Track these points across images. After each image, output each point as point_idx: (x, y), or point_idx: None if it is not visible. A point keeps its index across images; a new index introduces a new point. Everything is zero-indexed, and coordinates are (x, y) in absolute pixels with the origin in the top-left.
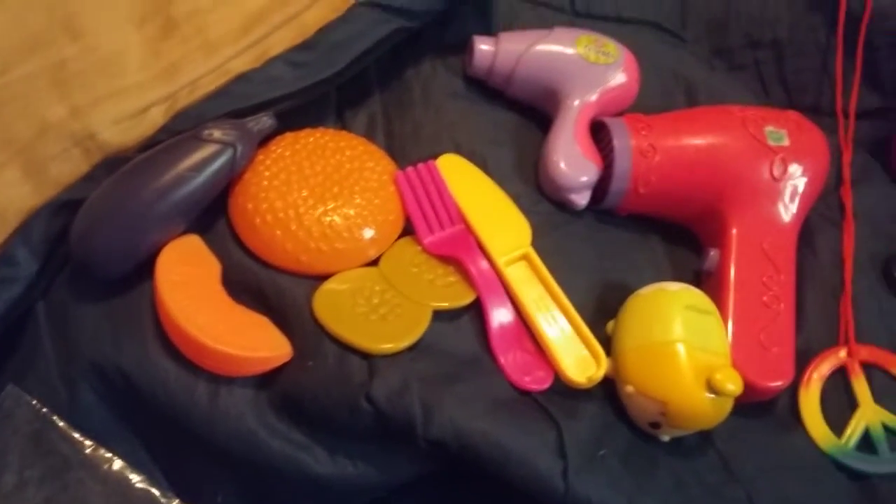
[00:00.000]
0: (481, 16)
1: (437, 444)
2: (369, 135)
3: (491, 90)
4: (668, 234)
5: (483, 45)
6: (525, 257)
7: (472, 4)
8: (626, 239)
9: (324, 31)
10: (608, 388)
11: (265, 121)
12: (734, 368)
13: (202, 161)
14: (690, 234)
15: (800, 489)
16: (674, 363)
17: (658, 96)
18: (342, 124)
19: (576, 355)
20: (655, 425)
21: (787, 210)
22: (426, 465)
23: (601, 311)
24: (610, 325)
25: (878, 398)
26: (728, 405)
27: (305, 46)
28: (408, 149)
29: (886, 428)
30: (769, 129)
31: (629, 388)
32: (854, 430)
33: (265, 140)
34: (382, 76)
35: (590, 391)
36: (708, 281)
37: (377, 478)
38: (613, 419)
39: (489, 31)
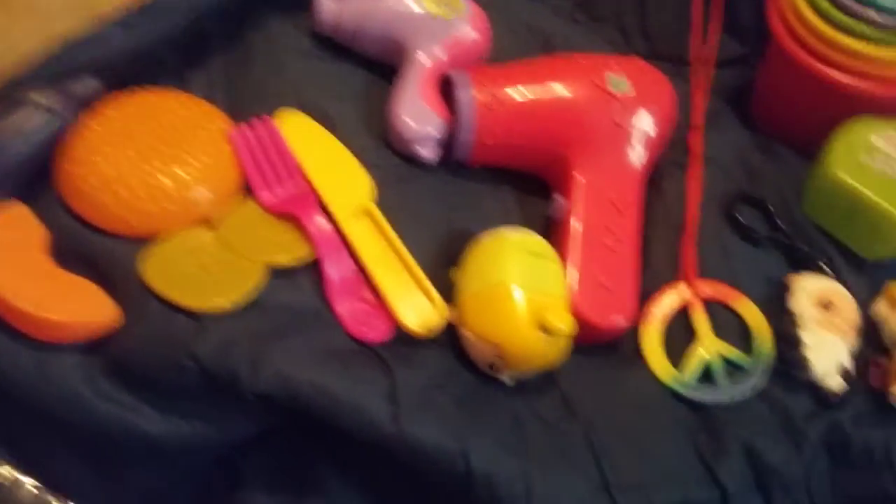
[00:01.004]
0: None
1: (265, 398)
2: (209, 95)
3: (340, 46)
4: (521, 183)
5: (327, 3)
6: (366, 212)
7: None
8: (476, 190)
9: None
10: (454, 336)
11: (90, 83)
12: (572, 309)
13: (23, 126)
14: (542, 181)
15: (637, 422)
16: (506, 305)
17: (515, 51)
18: (181, 84)
19: (416, 306)
20: (494, 367)
21: (632, 156)
22: (263, 421)
23: (448, 261)
24: (453, 272)
25: (718, 331)
26: (562, 345)
27: (138, 8)
28: (249, 108)
29: (725, 359)
30: (610, 75)
31: (467, 333)
32: (692, 362)
33: (94, 103)
34: (224, 35)
35: (434, 340)
36: (555, 227)
37: (214, 436)
38: (456, 366)
39: None
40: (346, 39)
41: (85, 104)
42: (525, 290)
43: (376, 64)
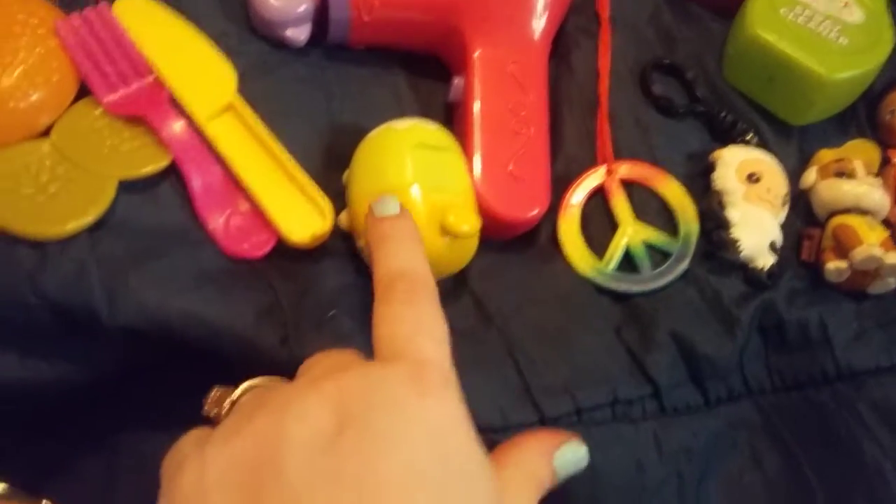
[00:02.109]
0: None
1: (130, 332)
2: None
3: None
4: (414, 65)
5: None
6: (230, 108)
7: None
8: (361, 75)
9: None
10: (348, 246)
11: None
12: (479, 202)
13: None
14: (439, 62)
15: (558, 319)
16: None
17: None
18: None
19: (299, 213)
20: None
21: (533, 24)
22: (133, 355)
23: (332, 160)
24: (346, 174)
25: (639, 215)
26: (470, 246)
27: None
28: None
29: (648, 245)
30: None
31: (362, 244)
32: (614, 250)
33: None
34: None
35: (323, 251)
36: (456, 113)
37: (81, 375)
38: (352, 278)
39: None
40: None
41: None
42: (423, 189)
43: None
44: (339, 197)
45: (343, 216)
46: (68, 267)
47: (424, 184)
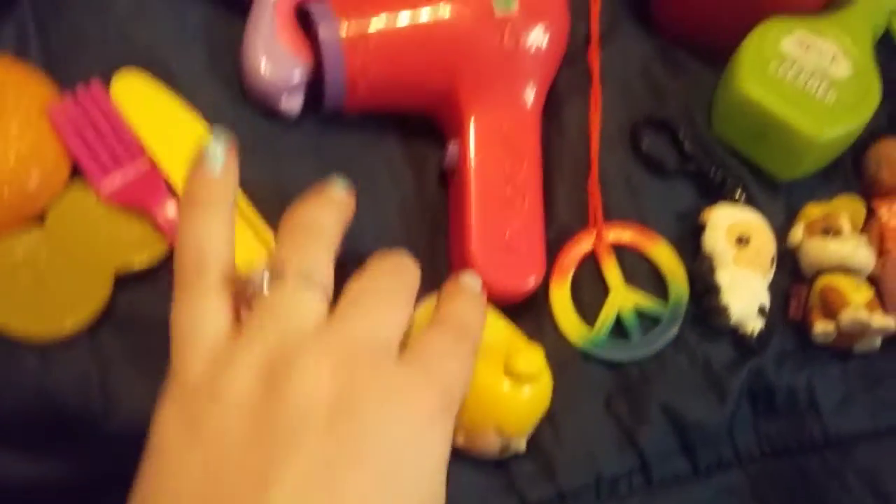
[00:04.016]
0: None
1: (126, 439)
2: (20, 51)
3: None
4: (409, 129)
5: None
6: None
7: None
8: (356, 142)
9: None
10: None
11: None
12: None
13: None
14: (433, 125)
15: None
16: (473, 389)
17: None
18: None
19: None
20: (507, 448)
21: (526, 85)
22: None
23: None
24: None
25: (630, 280)
26: (546, 377)
27: None
28: (70, 62)
29: (639, 311)
30: None
31: (459, 440)
32: (605, 318)
33: None
34: None
35: None
36: (451, 179)
37: (83, 473)
38: None
39: None
40: None
41: None
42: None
43: None
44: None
45: None
46: (68, 368)
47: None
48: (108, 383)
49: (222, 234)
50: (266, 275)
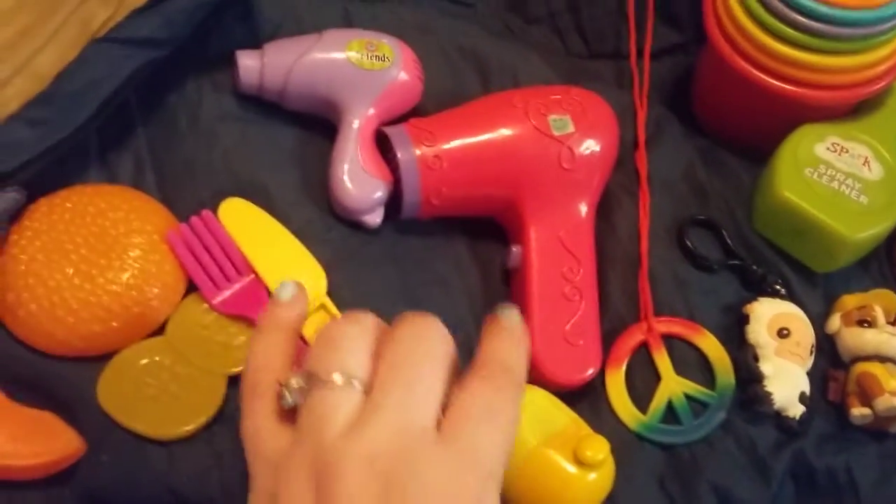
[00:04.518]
0: (244, 23)
1: None
2: (138, 179)
3: (268, 103)
4: (475, 232)
5: (247, 61)
6: (321, 307)
7: (233, 14)
8: (428, 246)
9: (60, 79)
10: None
11: (11, 196)
12: (537, 368)
13: None
14: (498, 228)
15: None
16: (543, 469)
17: (449, 79)
18: (107, 169)
19: None
20: None
21: (582, 195)
22: None
23: None
24: None
25: (679, 368)
26: (610, 464)
27: (42, 99)
28: (182, 188)
29: (688, 397)
30: (553, 117)
31: None
32: (657, 404)
33: (17, 214)
34: (144, 108)
35: None
36: (514, 278)
37: None
38: None
39: (256, 40)
40: (272, 98)
41: (8, 218)
42: (544, 443)
43: (309, 118)
44: None
45: None
46: (194, 466)
47: (543, 437)
48: (225, 475)
49: (279, 355)
50: (294, 384)
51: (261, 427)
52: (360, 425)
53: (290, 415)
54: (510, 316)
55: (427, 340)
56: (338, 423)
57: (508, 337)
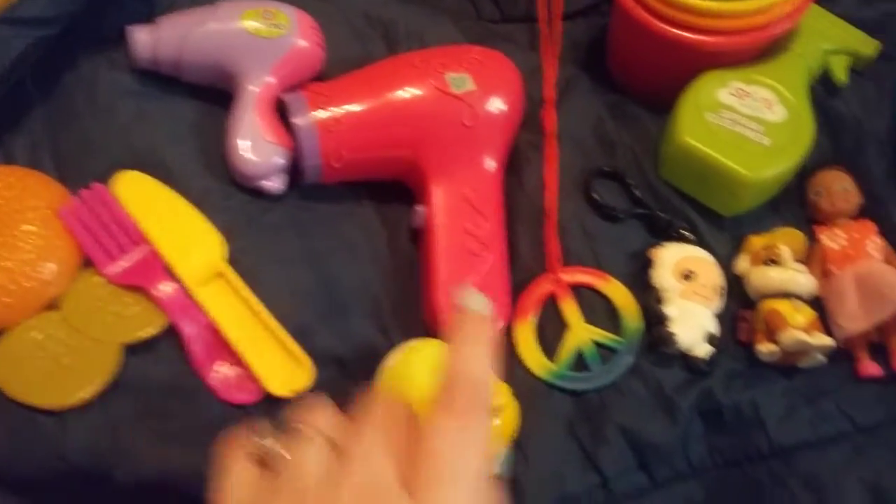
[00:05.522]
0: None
1: (142, 487)
2: (34, 158)
3: (167, 78)
4: (384, 195)
5: (140, 35)
6: (219, 275)
7: None
8: (335, 211)
9: None
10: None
11: None
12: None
13: None
14: (407, 190)
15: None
16: None
17: (354, 47)
18: (2, 150)
19: (282, 369)
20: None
21: (486, 153)
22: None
23: (314, 304)
24: None
25: (588, 317)
26: (513, 407)
27: None
28: (80, 165)
29: (597, 344)
30: (451, 75)
31: None
32: (566, 352)
33: None
34: (40, 87)
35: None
36: (421, 238)
37: None
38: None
39: (151, 15)
40: (169, 72)
41: None
42: None
43: (208, 90)
44: (324, 343)
45: None
46: (84, 431)
47: None
48: (118, 442)
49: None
50: (268, 442)
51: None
52: (331, 483)
53: None
54: (471, 300)
55: (390, 416)
56: (311, 477)
57: (471, 337)
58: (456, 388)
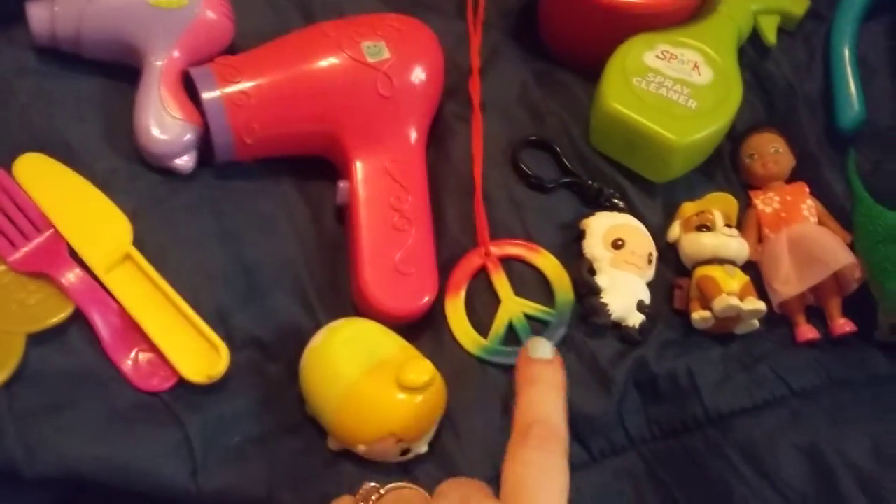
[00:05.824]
0: None
1: (50, 481)
2: None
3: (71, 55)
4: (306, 172)
5: (37, 11)
6: (127, 258)
7: None
8: (252, 189)
9: None
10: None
11: None
12: (369, 300)
13: None
14: (328, 164)
15: (451, 398)
16: (368, 398)
17: (269, 19)
18: None
19: (196, 354)
20: (408, 451)
21: (407, 124)
22: (54, 497)
23: (231, 285)
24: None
25: (519, 289)
26: (439, 384)
27: None
28: None
29: (529, 317)
30: (366, 44)
31: (361, 448)
32: (497, 327)
33: None
34: None
35: (226, 381)
36: (345, 214)
37: None
38: (254, 406)
39: None
40: (70, 49)
41: None
42: (368, 373)
43: (114, 67)
44: (237, 324)
45: (330, 439)
46: None
47: (365, 367)
48: (24, 435)
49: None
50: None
51: None
52: None
53: None
54: (538, 349)
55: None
56: None
57: (538, 383)
58: (532, 428)
